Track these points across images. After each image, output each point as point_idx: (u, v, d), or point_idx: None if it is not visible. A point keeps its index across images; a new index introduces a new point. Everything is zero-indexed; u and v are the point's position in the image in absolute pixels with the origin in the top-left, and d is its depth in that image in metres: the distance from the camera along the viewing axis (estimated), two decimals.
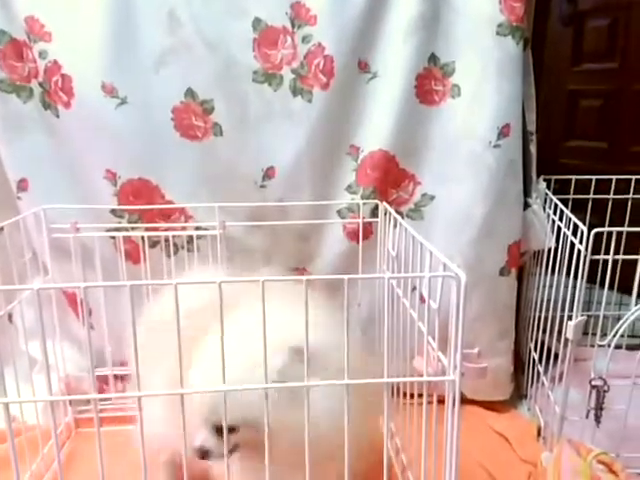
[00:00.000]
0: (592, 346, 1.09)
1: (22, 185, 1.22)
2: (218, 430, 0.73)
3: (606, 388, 1.06)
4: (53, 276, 1.21)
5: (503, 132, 1.19)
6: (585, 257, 1.03)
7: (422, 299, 0.90)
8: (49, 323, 1.16)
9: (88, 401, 1.27)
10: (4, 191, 1.23)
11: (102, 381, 1.27)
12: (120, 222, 1.23)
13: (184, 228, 1.24)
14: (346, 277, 0.68)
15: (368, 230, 1.25)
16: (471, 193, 1.21)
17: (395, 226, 1.07)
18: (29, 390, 1.01)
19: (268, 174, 1.24)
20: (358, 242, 1.24)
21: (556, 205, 1.26)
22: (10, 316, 1.21)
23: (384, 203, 1.19)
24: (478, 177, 1.21)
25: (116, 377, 1.27)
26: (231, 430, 0.71)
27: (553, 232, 1.25)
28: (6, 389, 0.68)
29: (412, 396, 1.00)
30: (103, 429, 0.70)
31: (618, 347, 1.17)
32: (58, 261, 1.21)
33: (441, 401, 0.77)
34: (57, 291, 1.21)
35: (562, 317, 1.12)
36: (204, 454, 0.75)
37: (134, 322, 0.63)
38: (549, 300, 1.26)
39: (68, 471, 1.13)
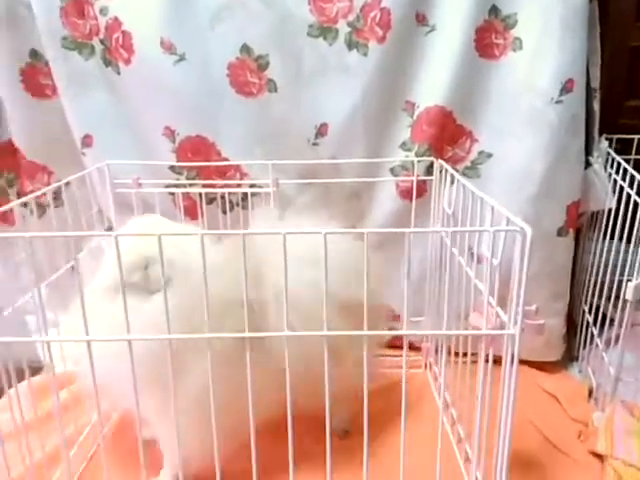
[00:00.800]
0: None
1: (86, 141, 1.26)
2: None
3: None
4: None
5: (566, 87, 1.15)
6: None
7: (475, 258, 0.90)
8: None
9: None
10: (69, 148, 1.28)
11: None
12: (178, 179, 1.26)
13: (239, 185, 1.26)
14: (407, 230, 0.69)
15: (422, 188, 1.24)
16: (531, 150, 1.18)
17: (452, 183, 1.06)
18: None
19: (321, 131, 1.24)
20: (411, 200, 1.24)
21: (619, 164, 1.22)
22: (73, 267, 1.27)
23: (440, 160, 1.17)
24: (539, 133, 1.17)
25: None
26: None
27: (614, 193, 1.22)
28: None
29: (457, 355, 1.02)
30: None
31: None
32: (121, 216, 1.25)
33: (494, 361, 0.77)
34: None
35: (620, 281, 1.10)
36: None
37: (205, 270, 0.66)
38: (606, 264, 1.24)
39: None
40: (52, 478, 0.90)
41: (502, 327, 0.75)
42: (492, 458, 0.79)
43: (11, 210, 0.84)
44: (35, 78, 1.25)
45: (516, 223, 0.69)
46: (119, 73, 1.21)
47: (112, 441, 1.06)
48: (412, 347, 1.33)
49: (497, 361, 0.77)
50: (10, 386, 0.77)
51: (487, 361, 0.77)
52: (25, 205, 0.93)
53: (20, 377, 0.78)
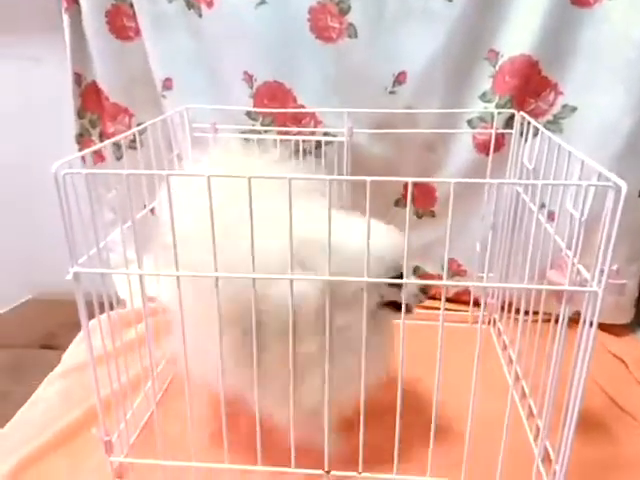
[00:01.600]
0: None
1: (167, 84, 1.28)
2: None
3: None
4: None
5: None
6: None
7: (551, 216, 0.89)
8: None
9: None
10: (150, 90, 1.31)
11: None
12: (254, 125, 1.27)
13: (313, 133, 1.26)
14: (491, 181, 0.68)
15: (500, 142, 1.21)
16: (620, 104, 1.12)
17: (535, 136, 1.03)
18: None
19: (399, 79, 1.22)
20: (487, 154, 1.21)
21: None
22: (152, 209, 1.32)
23: (521, 113, 1.13)
24: (629, 87, 1.11)
25: None
26: None
27: None
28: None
29: (518, 312, 1.02)
30: None
31: None
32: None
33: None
34: None
35: None
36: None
37: (291, 210, 0.68)
38: None
39: None
40: (134, 404, 0.98)
41: (583, 285, 0.74)
42: (559, 415, 0.80)
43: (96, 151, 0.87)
44: (119, 19, 1.28)
45: (610, 178, 0.67)
46: (201, 16, 1.22)
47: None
48: (477, 303, 1.34)
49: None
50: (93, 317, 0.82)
51: (561, 320, 0.77)
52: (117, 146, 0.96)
53: (100, 310, 0.83)
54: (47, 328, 1.49)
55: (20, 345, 1.45)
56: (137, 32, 1.28)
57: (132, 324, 1.02)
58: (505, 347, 1.21)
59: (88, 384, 1.02)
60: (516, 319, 1.10)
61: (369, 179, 0.67)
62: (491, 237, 0.70)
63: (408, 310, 0.76)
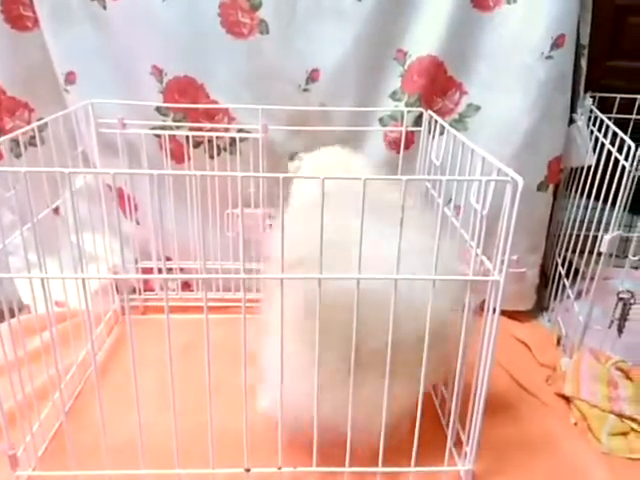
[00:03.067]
0: (616, 266, 1.14)
1: (70, 78, 1.22)
2: None
3: (632, 301, 1.11)
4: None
5: (557, 43, 1.16)
6: (630, 173, 1.04)
7: (457, 209, 0.93)
8: (99, 217, 1.21)
9: (134, 290, 1.35)
10: (51, 84, 1.24)
11: (147, 273, 1.34)
12: (165, 121, 1.24)
13: (227, 130, 1.25)
14: (405, 178, 0.70)
15: (409, 140, 1.25)
16: (518, 105, 1.20)
17: (441, 134, 1.07)
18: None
19: (312, 77, 1.23)
20: (398, 152, 1.25)
21: (601, 122, 1.25)
22: (57, 209, 1.25)
23: (429, 111, 1.18)
24: (527, 89, 1.18)
25: (160, 270, 1.32)
26: None
27: (595, 150, 1.25)
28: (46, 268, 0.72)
29: None
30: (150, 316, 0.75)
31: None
32: (106, 158, 1.23)
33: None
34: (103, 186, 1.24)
35: (595, 237, 1.15)
36: None
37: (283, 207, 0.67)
38: (582, 220, 1.28)
39: (116, 353, 1.21)
40: (41, 413, 0.93)
41: (486, 275, 0.78)
42: (468, 399, 0.84)
43: None
44: (15, 8, 1.19)
45: (508, 173, 0.72)
46: (105, 7, 1.16)
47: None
48: None
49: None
50: None
51: (467, 307, 0.81)
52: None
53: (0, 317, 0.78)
54: None
55: None
56: (35, 22, 1.20)
57: (41, 330, 0.97)
58: None
59: None
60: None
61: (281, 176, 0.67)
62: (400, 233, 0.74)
63: None
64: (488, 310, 0.78)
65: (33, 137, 0.90)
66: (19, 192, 0.74)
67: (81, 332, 1.12)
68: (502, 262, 0.74)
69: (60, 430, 0.94)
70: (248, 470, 0.82)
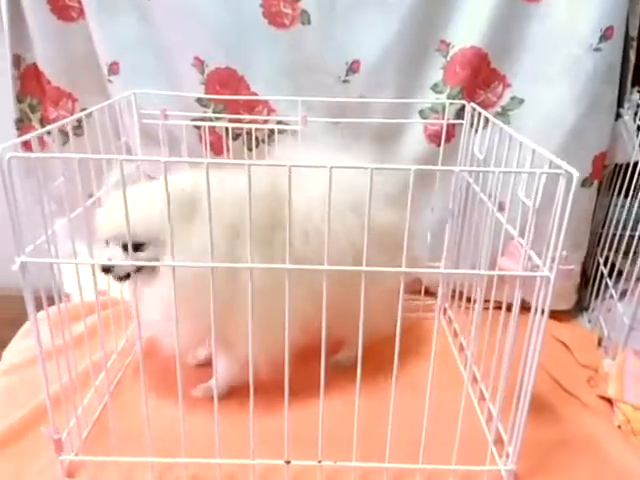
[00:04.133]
0: None
1: (113, 68, 1.23)
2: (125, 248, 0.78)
3: None
4: (143, 162, 1.23)
5: (606, 35, 1.12)
6: None
7: (499, 206, 0.91)
8: None
9: None
10: (95, 74, 1.25)
11: None
12: (205, 112, 1.24)
13: (266, 121, 1.25)
14: (451, 168, 0.69)
15: (450, 133, 1.23)
16: (564, 97, 1.17)
17: (485, 127, 1.05)
18: None
19: (352, 68, 1.22)
20: (438, 145, 1.23)
21: None
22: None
23: (472, 104, 1.16)
24: (574, 81, 1.15)
25: None
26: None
27: None
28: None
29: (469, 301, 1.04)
30: None
31: None
32: (147, 148, 1.24)
33: (509, 309, 0.80)
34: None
35: None
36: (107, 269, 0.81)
37: (250, 201, 0.66)
38: (626, 219, 1.25)
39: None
40: (84, 400, 0.94)
41: (534, 271, 0.77)
42: (509, 399, 0.83)
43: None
44: None
45: (561, 166, 0.69)
46: None
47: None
48: (427, 292, 1.36)
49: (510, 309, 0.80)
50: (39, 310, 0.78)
51: (515, 304, 0.79)
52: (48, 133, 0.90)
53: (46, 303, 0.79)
54: None
55: None
56: (80, 13, 1.21)
57: (80, 317, 0.98)
58: (456, 335, 1.23)
59: (31, 382, 0.98)
60: (467, 307, 1.13)
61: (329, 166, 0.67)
62: (446, 227, 0.72)
63: None
64: (537, 308, 0.76)
65: (77, 127, 0.91)
66: (66, 181, 0.75)
67: (121, 321, 1.15)
68: (552, 258, 0.72)
69: (101, 417, 0.95)
70: (288, 462, 0.81)
